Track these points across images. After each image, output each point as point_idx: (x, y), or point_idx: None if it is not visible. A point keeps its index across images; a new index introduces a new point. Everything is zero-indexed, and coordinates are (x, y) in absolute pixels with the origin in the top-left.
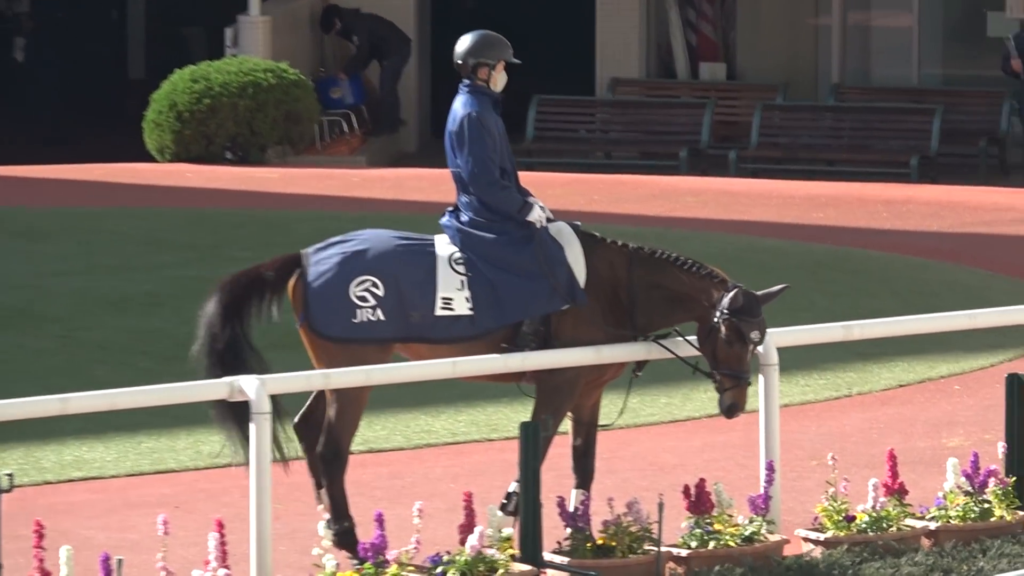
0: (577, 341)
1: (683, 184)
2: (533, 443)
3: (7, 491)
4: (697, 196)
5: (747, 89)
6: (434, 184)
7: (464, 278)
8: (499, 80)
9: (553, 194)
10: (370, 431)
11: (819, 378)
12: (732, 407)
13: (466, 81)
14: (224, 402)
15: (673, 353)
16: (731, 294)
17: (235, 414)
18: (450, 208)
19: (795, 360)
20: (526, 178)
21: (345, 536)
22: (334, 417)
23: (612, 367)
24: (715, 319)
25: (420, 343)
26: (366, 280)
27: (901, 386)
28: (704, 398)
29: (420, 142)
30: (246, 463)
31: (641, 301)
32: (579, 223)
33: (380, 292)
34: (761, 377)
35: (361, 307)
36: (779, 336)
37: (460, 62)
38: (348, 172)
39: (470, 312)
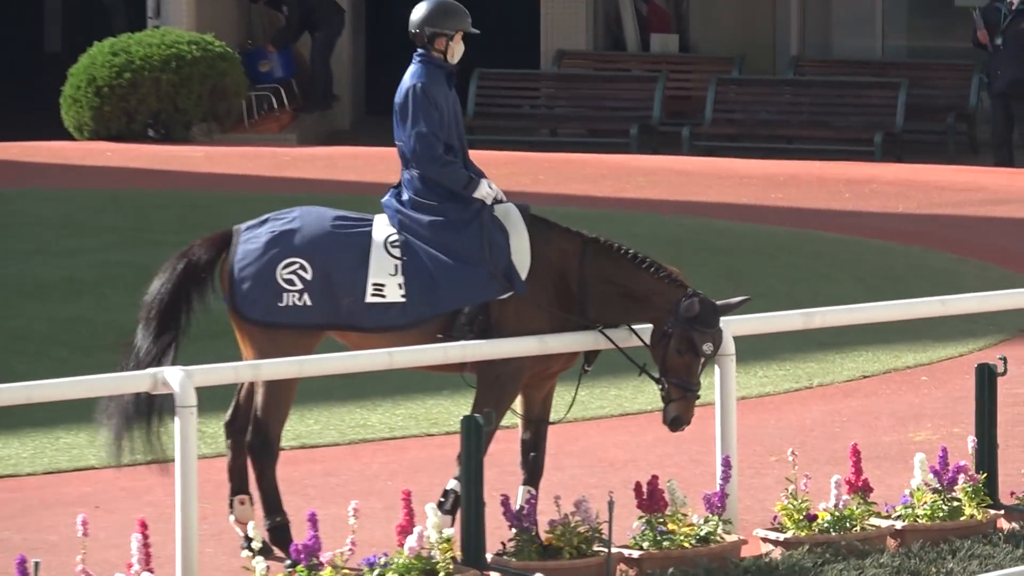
0: (520, 331)
1: (633, 163)
2: (475, 438)
3: None
4: (648, 175)
5: (701, 62)
6: (369, 163)
7: (399, 263)
8: (456, 51)
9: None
10: (302, 425)
11: (778, 369)
12: (676, 420)
13: (420, 51)
14: (119, 397)
15: (621, 351)
16: (687, 301)
17: (133, 409)
18: (394, 186)
19: (753, 350)
20: None
21: (279, 532)
22: (261, 404)
23: (560, 359)
24: (668, 325)
25: (351, 331)
26: (294, 263)
27: (865, 377)
28: (656, 391)
29: (354, 119)
30: (115, 463)
31: (593, 294)
32: (530, 206)
33: (308, 276)
34: (717, 368)
35: (288, 291)
36: (736, 324)
37: (416, 31)
38: (278, 150)
39: (402, 299)
